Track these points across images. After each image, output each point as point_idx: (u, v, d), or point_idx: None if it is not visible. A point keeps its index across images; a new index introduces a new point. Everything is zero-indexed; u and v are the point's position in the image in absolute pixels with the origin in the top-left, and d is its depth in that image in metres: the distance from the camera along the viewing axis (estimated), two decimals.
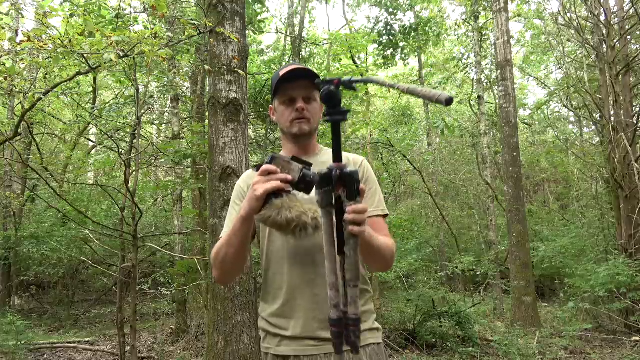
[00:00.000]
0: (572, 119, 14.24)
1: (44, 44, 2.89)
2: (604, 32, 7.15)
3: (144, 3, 4.54)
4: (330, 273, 1.09)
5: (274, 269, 1.42)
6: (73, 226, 7.31)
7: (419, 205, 14.12)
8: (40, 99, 3.40)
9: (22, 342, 5.51)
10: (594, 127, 10.77)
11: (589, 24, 7.87)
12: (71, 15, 3.89)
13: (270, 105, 1.55)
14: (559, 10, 8.56)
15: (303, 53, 9.94)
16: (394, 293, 7.53)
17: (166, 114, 8.57)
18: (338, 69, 9.14)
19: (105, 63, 3.07)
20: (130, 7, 5.16)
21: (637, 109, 7.31)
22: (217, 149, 3.52)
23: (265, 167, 1.19)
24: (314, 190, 1.15)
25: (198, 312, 6.44)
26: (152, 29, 3.26)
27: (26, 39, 2.83)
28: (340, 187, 1.06)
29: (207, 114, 4.85)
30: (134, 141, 4.38)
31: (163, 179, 9.93)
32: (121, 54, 3.11)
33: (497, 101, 8.86)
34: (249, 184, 1.45)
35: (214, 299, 3.46)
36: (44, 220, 8.47)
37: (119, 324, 4.01)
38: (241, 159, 3.53)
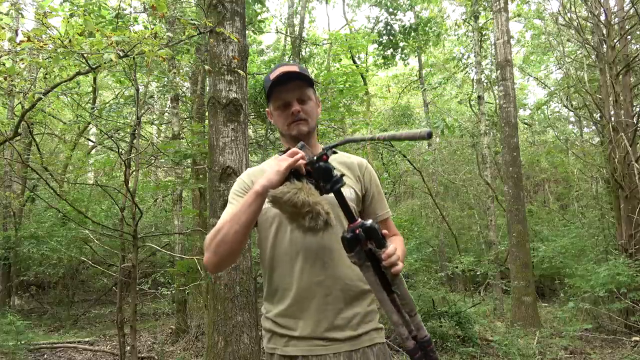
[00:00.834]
0: (572, 119, 14.25)
1: (44, 44, 2.89)
2: (604, 32, 7.15)
3: (144, 3, 4.54)
4: (392, 314, 1.19)
5: (281, 270, 1.41)
6: (73, 226, 7.31)
7: (419, 205, 14.12)
8: (40, 99, 3.40)
9: (22, 342, 5.52)
10: (594, 127, 10.77)
11: (589, 24, 7.86)
12: (71, 15, 3.89)
13: (267, 109, 1.55)
14: (559, 10, 8.56)
15: (303, 53, 9.94)
16: None
17: (166, 114, 8.57)
18: (338, 69, 9.13)
19: (105, 63, 3.07)
20: (130, 7, 5.16)
21: (637, 109, 7.31)
22: (217, 149, 3.52)
23: (295, 149, 1.22)
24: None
25: (198, 312, 6.44)
26: (152, 29, 3.26)
27: (26, 39, 2.83)
28: (368, 241, 1.16)
29: (207, 114, 4.85)
30: (134, 141, 4.38)
31: (163, 179, 9.94)
32: (121, 54, 3.11)
33: (497, 101, 8.86)
34: (252, 180, 1.46)
35: (214, 299, 3.46)
36: (44, 220, 8.47)
37: (119, 324, 4.01)
38: (241, 159, 3.53)
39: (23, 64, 3.42)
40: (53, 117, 8.30)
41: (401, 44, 11.44)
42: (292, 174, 1.16)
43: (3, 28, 2.99)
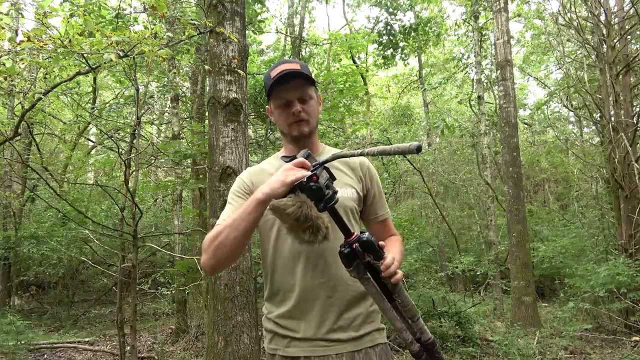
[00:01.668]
0: (572, 119, 14.24)
1: (44, 44, 2.89)
2: (604, 32, 7.15)
3: (144, 3, 4.54)
4: (395, 320, 1.22)
5: (283, 271, 1.40)
6: (73, 226, 7.31)
7: (419, 205, 14.12)
8: (40, 99, 3.40)
9: (22, 342, 5.51)
10: (594, 127, 10.77)
11: (589, 24, 7.86)
12: (71, 15, 3.89)
13: (267, 106, 1.53)
14: (559, 10, 8.56)
15: (303, 53, 9.94)
16: None
17: (166, 114, 8.57)
18: (338, 69, 9.13)
19: (105, 63, 3.07)
20: (130, 7, 5.16)
21: (637, 109, 7.30)
22: (217, 149, 3.52)
23: (302, 159, 1.20)
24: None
25: (198, 312, 6.44)
26: (152, 29, 3.26)
27: (26, 39, 2.83)
28: (366, 254, 1.17)
29: (207, 114, 4.85)
30: (134, 141, 4.38)
31: (163, 179, 9.94)
32: (121, 54, 3.11)
33: (497, 101, 8.86)
34: (252, 180, 1.45)
35: (214, 299, 3.46)
36: (44, 220, 8.47)
37: (119, 324, 4.01)
38: (241, 159, 3.53)
39: (23, 64, 3.42)
40: (53, 117, 8.29)
41: (401, 44, 11.44)
42: (297, 186, 1.15)
43: (3, 28, 2.98)
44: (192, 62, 6.88)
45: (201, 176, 6.55)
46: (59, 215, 7.72)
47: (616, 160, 6.74)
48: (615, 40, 7.06)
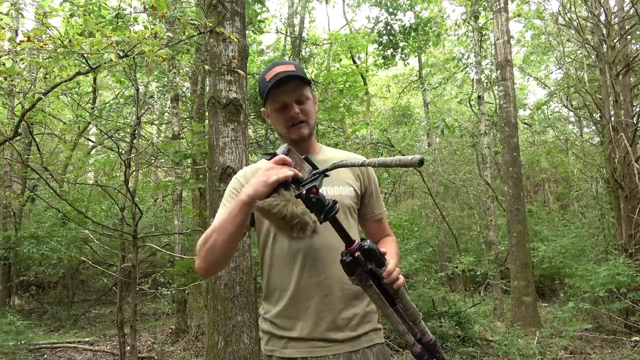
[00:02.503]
0: (572, 119, 14.24)
1: (44, 44, 2.89)
2: (604, 32, 7.15)
3: (144, 3, 4.54)
4: (397, 324, 1.23)
5: (279, 270, 1.40)
6: (73, 226, 7.31)
7: (419, 205, 14.13)
8: (40, 99, 3.40)
9: (22, 342, 5.51)
10: (594, 127, 10.77)
11: (589, 24, 7.86)
12: (71, 15, 3.89)
13: (263, 109, 1.51)
14: (559, 10, 8.56)
15: (303, 53, 9.94)
16: None
17: (166, 114, 8.57)
18: (338, 69, 9.13)
19: (105, 63, 3.07)
20: (130, 7, 5.16)
21: (637, 109, 7.30)
22: (217, 149, 3.52)
23: (282, 157, 1.19)
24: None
25: (198, 312, 6.44)
26: (152, 29, 3.26)
27: (26, 39, 2.83)
28: (368, 262, 1.18)
29: (207, 114, 4.85)
30: (134, 141, 4.38)
31: (163, 179, 9.94)
32: (121, 54, 3.11)
33: (497, 101, 8.86)
34: (248, 180, 1.44)
35: (214, 299, 3.46)
36: (44, 220, 8.47)
37: (119, 324, 4.01)
38: (241, 159, 3.53)
39: (23, 64, 3.42)
40: (53, 117, 8.30)
41: (401, 44, 11.44)
42: (280, 184, 1.15)
43: (3, 28, 2.99)
44: (192, 62, 6.88)
45: (201, 176, 6.55)
46: (59, 215, 7.73)
47: (616, 160, 6.74)
48: (615, 40, 7.06)
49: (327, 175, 1.21)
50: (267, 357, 1.42)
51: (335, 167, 1.20)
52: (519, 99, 14.42)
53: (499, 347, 5.24)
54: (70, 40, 2.91)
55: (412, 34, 11.28)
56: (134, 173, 4.36)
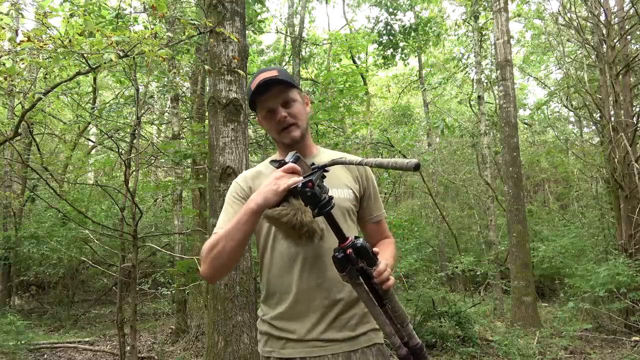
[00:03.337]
0: (572, 119, 14.24)
1: (44, 44, 2.89)
2: (604, 32, 7.14)
3: (144, 3, 4.54)
4: (384, 325, 1.23)
5: (279, 273, 1.40)
6: (73, 226, 7.31)
7: (419, 205, 14.13)
8: (40, 99, 3.40)
9: (22, 342, 5.51)
10: (594, 127, 10.77)
11: (589, 24, 7.86)
12: (71, 15, 3.89)
13: (257, 117, 1.52)
14: (559, 10, 8.56)
15: (303, 53, 9.94)
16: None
17: (166, 114, 8.57)
18: (338, 69, 9.14)
19: (105, 63, 3.07)
20: (130, 7, 5.16)
21: (637, 109, 7.30)
22: (217, 149, 3.52)
23: (291, 165, 1.19)
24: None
25: (198, 312, 6.44)
26: (152, 29, 3.26)
27: (26, 39, 2.83)
28: (360, 260, 1.18)
29: (207, 114, 4.85)
30: (134, 141, 4.38)
31: (163, 179, 9.93)
32: (121, 54, 3.11)
33: (497, 101, 8.86)
34: (249, 185, 1.45)
35: (214, 299, 3.46)
36: (44, 220, 8.47)
37: (119, 324, 4.01)
38: (241, 159, 3.53)
39: (23, 64, 3.42)
40: (53, 117, 8.30)
41: (401, 44, 11.44)
42: (290, 191, 1.15)
43: (3, 28, 2.99)
44: (192, 62, 6.88)
45: (201, 176, 6.55)
46: (59, 215, 7.73)
47: (616, 160, 6.74)
48: (615, 40, 7.06)
49: (327, 171, 1.21)
50: (264, 359, 1.42)
51: (334, 163, 1.21)
52: (519, 99, 14.42)
53: (499, 347, 5.23)
54: (70, 40, 2.91)
55: (412, 34, 11.28)
56: (134, 173, 4.36)
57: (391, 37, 11.25)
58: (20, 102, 4.20)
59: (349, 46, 10.05)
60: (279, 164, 1.22)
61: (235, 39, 3.57)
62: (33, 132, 7.27)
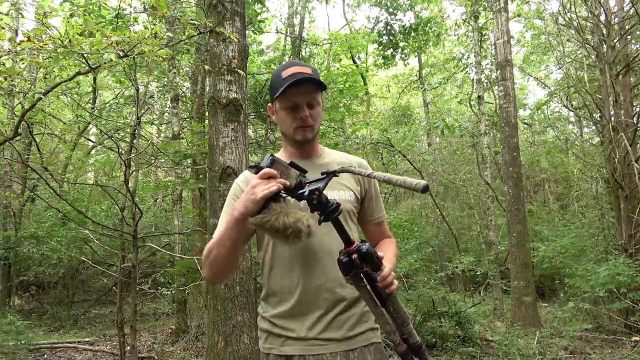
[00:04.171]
0: (572, 119, 14.24)
1: (44, 44, 2.89)
2: (604, 32, 7.14)
3: (144, 3, 4.54)
4: (385, 324, 1.25)
5: (281, 273, 1.41)
6: (73, 226, 7.31)
7: (419, 205, 14.12)
8: (40, 99, 3.40)
9: (22, 342, 5.51)
10: (594, 127, 10.76)
11: (589, 24, 7.86)
12: (71, 15, 3.89)
13: (270, 104, 1.51)
14: (559, 10, 8.56)
15: (303, 53, 9.94)
16: None
17: (166, 114, 8.57)
18: (338, 69, 9.13)
19: (105, 63, 3.07)
20: (130, 7, 5.16)
21: (637, 109, 7.30)
22: (217, 149, 3.52)
23: (266, 170, 1.18)
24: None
25: (198, 312, 6.44)
26: (152, 29, 3.26)
27: (26, 39, 2.83)
28: (364, 264, 1.19)
29: (207, 114, 4.85)
30: (134, 141, 4.38)
31: (163, 179, 9.93)
32: (121, 54, 3.11)
33: (497, 101, 8.86)
34: (247, 184, 1.45)
35: (214, 299, 3.46)
36: (44, 220, 8.46)
37: (119, 324, 4.02)
38: (241, 159, 3.53)
39: (23, 64, 3.42)
40: (53, 117, 8.29)
41: (401, 44, 11.44)
42: (269, 198, 1.15)
43: (3, 28, 2.98)
44: (192, 62, 6.88)
45: (201, 176, 6.54)
46: (59, 215, 7.72)
47: (616, 160, 6.74)
48: (615, 40, 7.05)
49: (337, 175, 1.22)
50: (264, 355, 1.44)
51: (344, 171, 1.22)
52: (519, 99, 14.41)
53: (499, 347, 5.23)
54: (70, 40, 2.91)
55: (412, 34, 11.28)
56: (134, 173, 4.36)
57: (391, 37, 11.25)
58: (20, 102, 4.20)
59: (349, 46, 10.05)
60: (256, 169, 1.21)
61: (235, 39, 3.57)
62: (33, 132, 7.27)
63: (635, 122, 6.86)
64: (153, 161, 7.08)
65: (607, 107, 7.10)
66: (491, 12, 9.06)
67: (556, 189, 14.83)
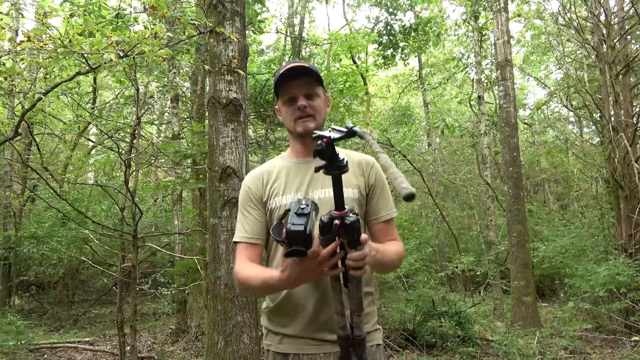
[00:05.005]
0: (572, 119, 14.24)
1: (44, 44, 2.89)
2: (604, 32, 7.14)
3: (144, 3, 4.53)
4: (336, 302, 1.19)
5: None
6: (73, 226, 7.31)
7: (419, 205, 14.11)
8: (40, 99, 3.40)
9: (22, 342, 5.51)
10: (594, 127, 10.77)
11: (589, 24, 7.86)
12: (71, 15, 3.89)
13: (276, 106, 1.52)
14: (559, 10, 8.56)
15: (303, 53, 9.93)
16: (394, 293, 7.53)
17: (166, 114, 8.57)
18: (338, 69, 9.13)
19: (105, 63, 3.07)
20: (130, 7, 5.16)
21: (637, 109, 7.31)
22: (217, 149, 3.52)
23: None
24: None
25: (198, 312, 6.44)
26: (152, 29, 3.26)
27: (26, 39, 2.83)
28: (342, 235, 1.12)
29: (207, 114, 4.84)
30: (134, 141, 4.38)
31: (163, 179, 9.93)
32: (121, 54, 3.11)
33: (497, 101, 8.86)
34: (257, 185, 1.45)
35: (214, 299, 3.46)
36: (44, 220, 8.46)
37: (119, 324, 4.01)
38: (241, 159, 3.53)
39: (23, 64, 3.42)
40: (53, 117, 8.30)
41: (401, 44, 11.43)
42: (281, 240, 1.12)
43: (3, 28, 2.99)
44: (192, 62, 6.88)
45: (201, 176, 6.54)
46: (59, 215, 7.72)
47: (616, 160, 6.74)
48: (615, 40, 7.05)
49: (344, 171, 1.18)
50: (265, 352, 1.47)
51: (357, 134, 1.14)
52: (519, 99, 14.40)
53: (499, 347, 5.23)
54: (70, 40, 2.90)
55: (412, 34, 11.27)
56: (134, 173, 4.36)
57: (391, 37, 11.25)
58: (20, 102, 4.21)
59: (349, 46, 10.04)
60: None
61: (235, 39, 3.57)
62: (33, 132, 7.27)
63: (635, 122, 6.86)
64: (153, 161, 7.08)
65: (607, 107, 7.10)
66: (491, 12, 9.07)
67: (556, 189, 14.83)
